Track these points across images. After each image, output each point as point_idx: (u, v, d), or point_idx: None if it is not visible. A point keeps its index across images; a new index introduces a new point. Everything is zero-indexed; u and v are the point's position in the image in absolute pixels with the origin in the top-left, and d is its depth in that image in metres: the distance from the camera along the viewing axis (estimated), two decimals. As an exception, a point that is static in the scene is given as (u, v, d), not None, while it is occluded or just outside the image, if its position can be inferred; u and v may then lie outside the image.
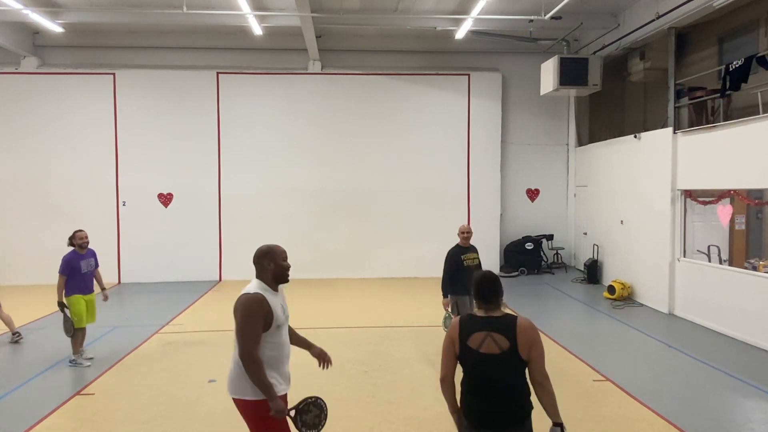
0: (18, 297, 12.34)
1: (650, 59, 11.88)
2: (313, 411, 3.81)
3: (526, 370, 3.33)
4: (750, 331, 8.48)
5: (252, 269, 3.99)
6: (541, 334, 9.05)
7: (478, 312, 3.39)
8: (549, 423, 3.35)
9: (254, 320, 3.58)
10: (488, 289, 3.36)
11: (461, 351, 3.32)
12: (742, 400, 6.45)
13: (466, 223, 14.19)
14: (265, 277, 3.77)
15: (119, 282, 13.97)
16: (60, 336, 9.06)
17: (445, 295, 7.58)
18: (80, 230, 7.84)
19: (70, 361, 7.64)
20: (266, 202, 14.30)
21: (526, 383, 3.34)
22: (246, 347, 3.53)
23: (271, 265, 3.79)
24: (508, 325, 3.28)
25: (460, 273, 7.55)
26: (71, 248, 7.80)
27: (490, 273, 3.48)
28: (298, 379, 7.00)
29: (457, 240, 7.85)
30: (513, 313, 3.40)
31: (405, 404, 6.21)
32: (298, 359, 7.79)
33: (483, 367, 3.27)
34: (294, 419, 3.72)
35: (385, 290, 12.95)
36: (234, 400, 3.68)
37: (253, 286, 3.73)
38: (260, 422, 3.64)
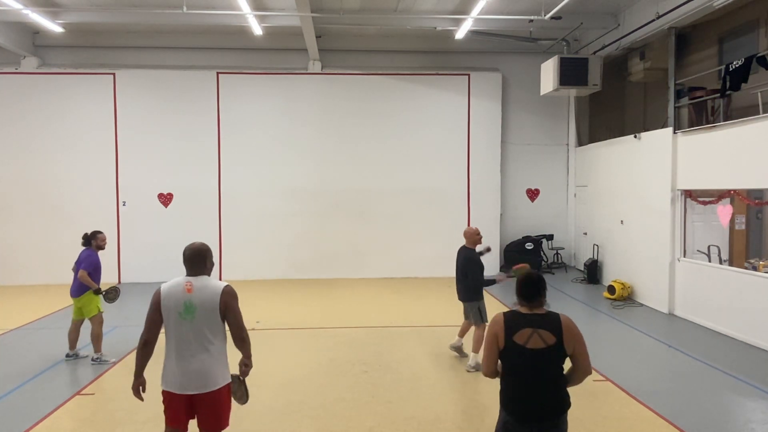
0: (18, 297, 12.35)
1: (650, 59, 11.89)
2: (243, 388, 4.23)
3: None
4: (750, 331, 8.48)
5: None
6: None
7: (521, 309, 3.55)
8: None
9: None
10: (534, 288, 3.54)
11: (506, 346, 3.46)
12: (742, 400, 6.45)
13: (467, 223, 14.25)
14: (206, 273, 4.09)
15: (119, 282, 13.96)
16: (59, 336, 9.07)
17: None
18: (101, 232, 7.84)
19: (92, 360, 7.70)
20: (266, 202, 14.30)
21: (565, 378, 3.53)
22: (246, 330, 4.06)
23: (211, 263, 4.14)
24: (552, 321, 3.47)
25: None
26: (84, 248, 7.74)
27: (536, 273, 3.66)
28: (298, 378, 7.02)
29: (462, 241, 7.66)
30: (553, 311, 3.58)
31: (405, 404, 6.21)
32: (298, 360, 7.81)
33: (529, 362, 3.42)
34: (240, 383, 4.19)
35: (385, 290, 12.94)
36: (215, 392, 3.92)
37: (214, 280, 4.06)
38: (230, 401, 4.09)
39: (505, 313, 3.57)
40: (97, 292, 7.62)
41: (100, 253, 7.79)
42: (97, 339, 7.70)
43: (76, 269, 7.62)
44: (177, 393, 3.89)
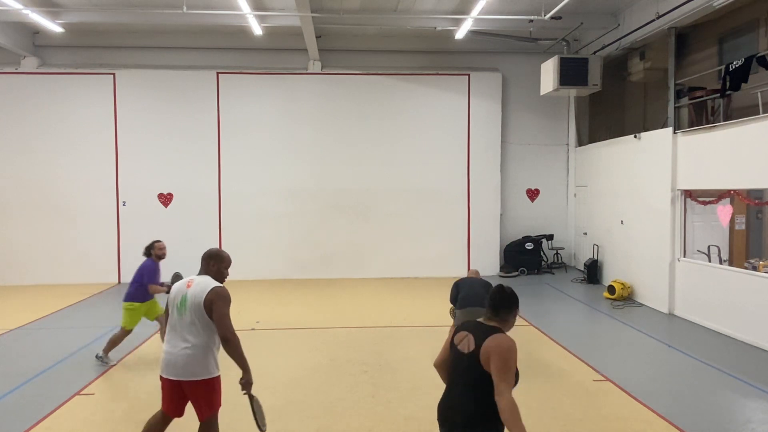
0: (18, 297, 12.35)
1: (650, 59, 11.88)
2: (258, 407, 4.42)
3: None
4: (750, 331, 8.48)
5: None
6: (542, 334, 9.06)
7: (483, 319, 3.52)
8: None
9: (229, 307, 4.29)
10: (498, 302, 3.49)
11: (451, 344, 3.53)
12: (742, 400, 6.45)
13: (467, 223, 14.28)
14: (211, 274, 4.38)
15: (119, 282, 13.95)
16: (59, 336, 9.09)
17: None
18: (159, 240, 7.86)
19: (96, 356, 7.68)
20: (266, 201, 14.30)
21: (486, 400, 3.21)
22: (233, 329, 4.21)
23: (215, 266, 4.41)
24: (485, 333, 3.34)
25: None
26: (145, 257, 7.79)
27: (509, 288, 3.59)
28: (298, 378, 7.02)
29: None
30: (500, 332, 3.38)
31: (405, 404, 6.20)
32: (298, 360, 7.80)
33: (454, 362, 3.45)
34: (252, 399, 4.38)
35: (385, 290, 12.94)
36: (195, 382, 4.20)
37: (211, 280, 4.33)
38: (214, 395, 4.31)
39: (470, 319, 3.63)
40: (168, 291, 7.61)
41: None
42: (116, 342, 7.66)
43: (135, 278, 7.67)
44: (164, 377, 4.28)
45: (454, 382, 3.42)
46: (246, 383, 4.29)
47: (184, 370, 4.18)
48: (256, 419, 4.35)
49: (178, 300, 4.28)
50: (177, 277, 7.77)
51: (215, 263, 4.40)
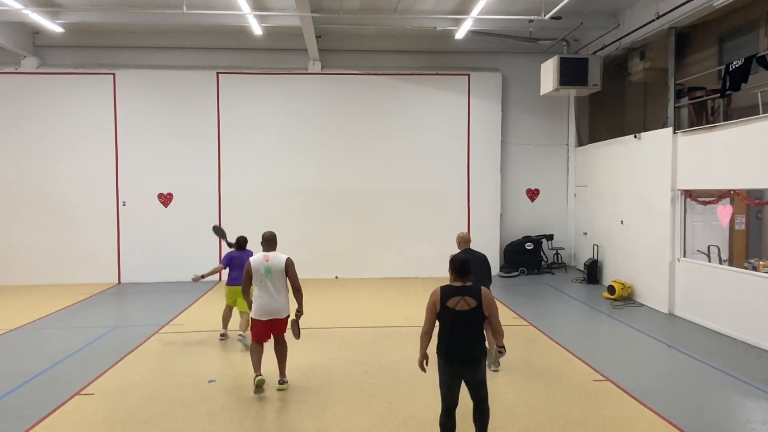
0: (19, 297, 12.35)
1: (650, 59, 11.89)
2: (296, 326, 6.73)
3: (484, 325, 4.83)
4: (750, 331, 8.48)
5: None
6: (541, 334, 9.12)
7: (454, 283, 4.80)
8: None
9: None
10: (467, 268, 4.83)
11: (441, 310, 4.74)
12: (742, 400, 6.45)
13: (467, 223, 14.27)
14: (275, 249, 6.69)
15: (119, 282, 13.97)
16: (59, 336, 9.08)
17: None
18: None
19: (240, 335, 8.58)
20: (266, 201, 14.30)
21: (483, 333, 4.82)
22: (300, 284, 6.67)
23: (276, 243, 6.76)
24: (475, 291, 4.76)
25: None
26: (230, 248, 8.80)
27: (467, 256, 5.08)
28: (298, 378, 7.02)
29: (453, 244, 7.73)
30: (476, 284, 4.87)
31: (405, 404, 6.21)
32: (298, 360, 7.80)
33: (456, 320, 4.70)
34: (297, 322, 6.69)
35: (385, 290, 12.94)
36: (280, 319, 6.61)
37: (281, 254, 6.61)
38: (286, 323, 6.69)
39: (441, 287, 4.79)
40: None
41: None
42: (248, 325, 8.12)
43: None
44: (262, 320, 6.54)
45: (458, 333, 4.70)
46: (299, 313, 6.57)
47: (277, 313, 6.55)
48: (293, 331, 6.62)
49: (263, 269, 6.48)
50: (218, 230, 10.04)
51: (276, 242, 6.72)
